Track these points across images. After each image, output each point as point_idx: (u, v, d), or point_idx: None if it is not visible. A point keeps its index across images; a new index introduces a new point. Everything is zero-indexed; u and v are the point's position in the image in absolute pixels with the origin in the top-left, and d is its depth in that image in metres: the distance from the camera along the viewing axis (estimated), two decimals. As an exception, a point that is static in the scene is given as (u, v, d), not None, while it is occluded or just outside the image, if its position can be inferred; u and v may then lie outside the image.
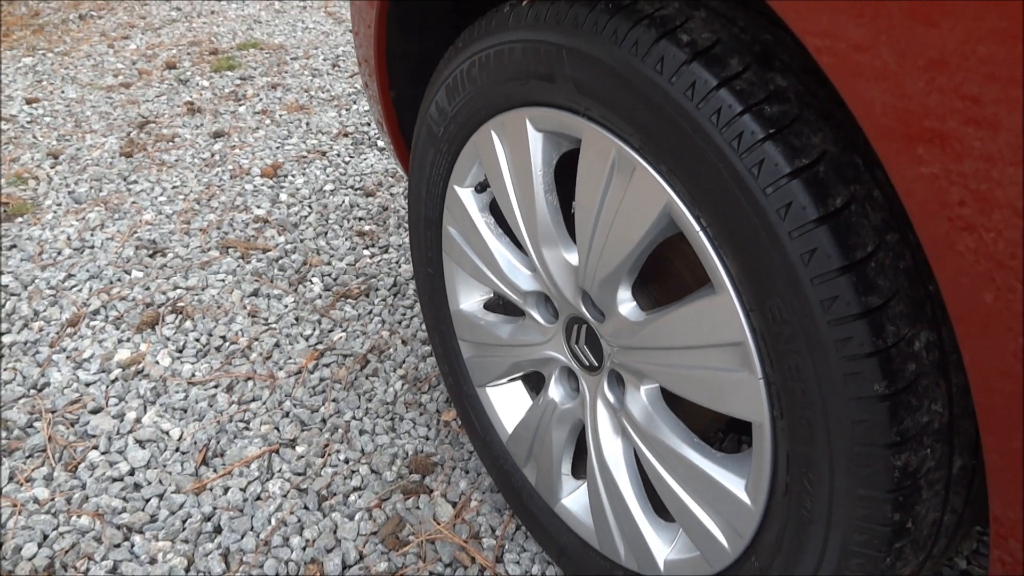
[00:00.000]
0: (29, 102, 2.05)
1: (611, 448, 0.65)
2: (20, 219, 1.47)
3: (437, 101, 0.68)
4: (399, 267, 1.31)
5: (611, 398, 0.64)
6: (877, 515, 0.43)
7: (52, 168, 1.68)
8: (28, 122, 1.93)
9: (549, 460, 0.74)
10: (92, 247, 1.37)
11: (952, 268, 0.35)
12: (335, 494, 0.89)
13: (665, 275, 0.62)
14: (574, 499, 0.74)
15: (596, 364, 0.64)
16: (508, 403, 0.80)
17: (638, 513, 0.64)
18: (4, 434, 0.97)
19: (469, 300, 0.79)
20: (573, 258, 0.61)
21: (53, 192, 1.58)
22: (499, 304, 0.79)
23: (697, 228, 0.47)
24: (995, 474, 0.37)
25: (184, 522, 0.85)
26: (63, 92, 2.12)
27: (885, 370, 0.40)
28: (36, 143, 1.81)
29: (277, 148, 1.76)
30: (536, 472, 0.77)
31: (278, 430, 0.98)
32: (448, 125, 0.68)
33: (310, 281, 1.27)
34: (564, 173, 0.61)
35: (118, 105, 2.02)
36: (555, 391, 0.71)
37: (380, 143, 1.76)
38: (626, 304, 0.58)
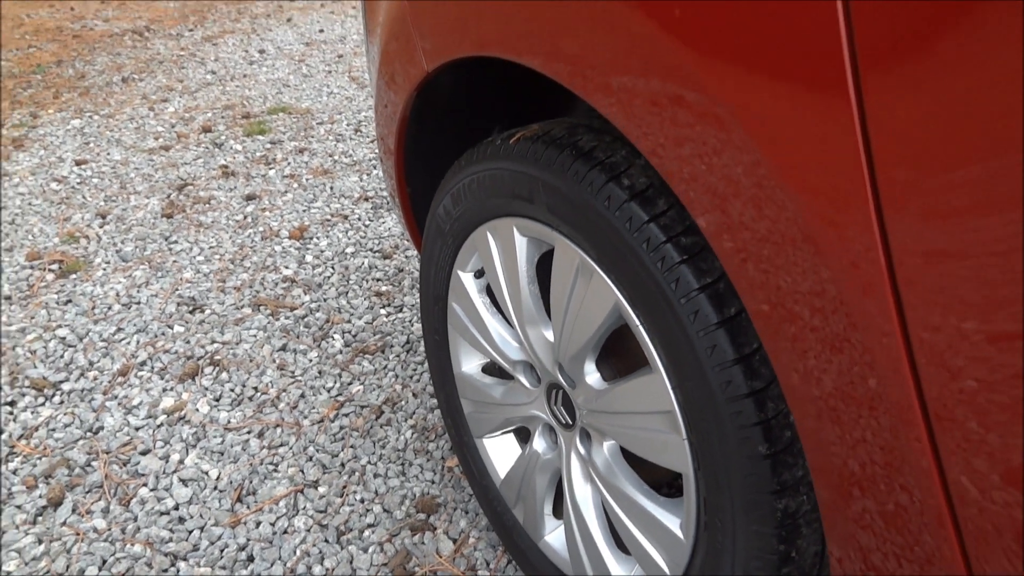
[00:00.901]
0: (78, 163, 2.27)
1: (582, 493, 0.80)
2: (74, 276, 1.65)
3: (444, 205, 0.85)
4: (412, 326, 1.46)
5: (582, 451, 0.78)
6: (767, 547, 0.57)
7: (101, 228, 1.87)
8: (78, 183, 2.13)
9: (534, 502, 0.88)
10: (138, 303, 1.55)
11: (782, 365, 0.50)
12: (351, 529, 1.03)
13: (624, 352, 0.77)
14: (554, 536, 0.88)
15: (570, 422, 0.79)
16: (501, 453, 0.94)
17: (603, 547, 0.78)
18: (67, 472, 1.12)
19: (470, 364, 0.94)
20: (550, 335, 0.76)
21: (102, 251, 1.76)
22: (494, 369, 0.94)
23: (637, 323, 0.62)
24: (827, 517, 0.51)
25: (222, 551, 1.00)
26: (109, 154, 2.33)
27: (767, 436, 0.55)
28: (86, 203, 2.00)
29: (304, 211, 1.94)
30: (523, 512, 0.91)
31: (303, 472, 1.12)
32: (453, 224, 0.85)
33: (332, 337, 1.43)
34: (544, 264, 0.77)
35: (159, 167, 2.23)
36: (538, 443, 0.85)
37: (397, 207, 1.94)
38: (591, 375, 0.73)
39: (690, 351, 0.57)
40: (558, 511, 0.88)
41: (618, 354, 0.77)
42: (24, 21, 4.20)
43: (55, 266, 1.69)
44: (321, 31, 3.99)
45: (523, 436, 0.93)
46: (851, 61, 0.38)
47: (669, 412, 0.62)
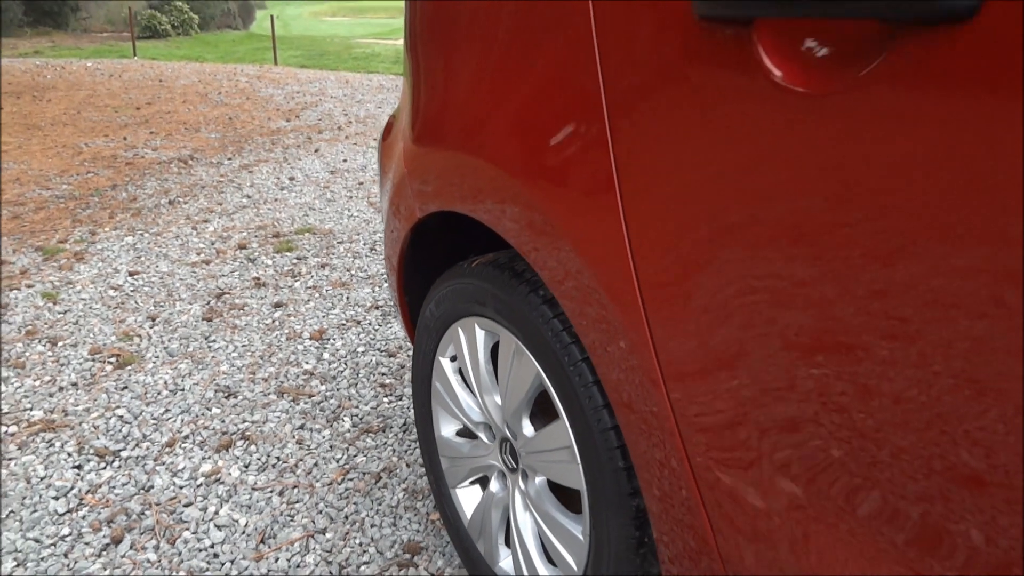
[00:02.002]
0: (131, 274, 2.66)
1: (523, 520, 1.08)
2: (129, 367, 1.99)
3: (430, 308, 1.18)
4: (409, 411, 1.77)
5: (522, 486, 1.07)
6: (629, 535, 0.86)
7: (151, 328, 2.23)
8: (131, 291, 2.51)
9: (491, 534, 1.16)
10: (183, 390, 1.87)
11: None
12: (351, 565, 1.30)
13: (550, 411, 1.08)
14: (506, 562, 1.15)
15: (515, 466, 1.09)
16: (469, 498, 1.23)
17: (537, 561, 1.06)
18: (125, 518, 1.41)
19: (447, 429, 1.25)
20: (499, 400, 1.07)
21: (152, 347, 2.10)
22: (465, 432, 1.25)
23: (549, 385, 0.94)
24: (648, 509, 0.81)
25: (243, 568, 1.27)
26: (157, 267, 2.73)
27: (623, 455, 0.85)
28: (138, 308, 2.37)
29: (323, 317, 2.29)
30: (484, 544, 1.18)
31: (314, 522, 1.40)
32: (435, 322, 1.18)
33: (342, 419, 1.74)
34: (496, 350, 1.09)
35: (200, 278, 2.61)
36: (494, 486, 1.15)
37: (403, 315, 2.29)
38: (527, 427, 1.04)
39: (577, 402, 0.89)
40: (508, 542, 1.16)
41: (547, 413, 1.08)
42: (83, 150, 4.78)
43: (113, 359, 2.03)
44: (344, 161, 4.51)
45: (484, 485, 1.22)
46: (619, 194, 0.72)
47: (569, 447, 0.92)
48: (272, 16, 13.87)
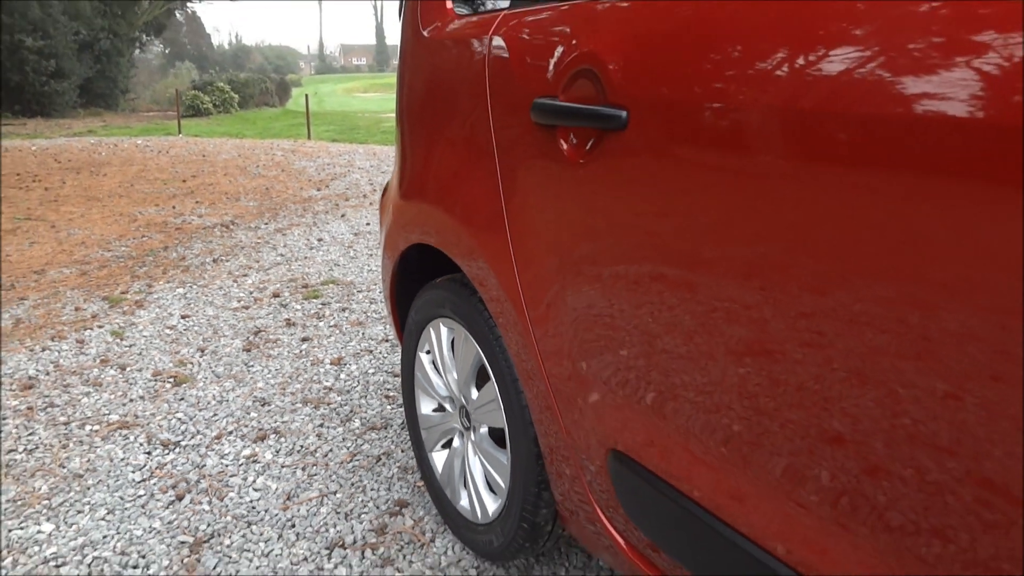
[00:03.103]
0: (183, 317, 3.18)
1: (474, 463, 1.52)
2: (184, 385, 2.48)
3: (412, 316, 1.66)
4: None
5: (473, 439, 1.52)
6: (530, 451, 1.30)
7: (201, 357, 2.73)
8: (184, 330, 3.03)
9: (454, 480, 1.59)
10: (227, 401, 2.35)
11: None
12: (355, 514, 1.74)
13: (485, 379, 1.53)
14: (464, 499, 1.58)
15: (469, 425, 1.53)
16: (440, 458, 1.67)
17: (485, 492, 1.49)
18: (185, 484, 1.87)
19: (426, 407, 1.70)
20: (456, 376, 1.53)
21: (202, 371, 2.60)
22: (438, 409, 1.70)
23: (484, 360, 1.40)
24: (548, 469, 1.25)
25: (276, 520, 1.71)
26: (205, 311, 3.26)
27: (527, 411, 1.30)
28: (190, 342, 2.88)
29: (342, 348, 2.78)
30: (450, 490, 1.62)
31: (327, 487, 1.85)
32: (415, 326, 1.65)
33: (353, 420, 2.20)
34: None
35: (240, 320, 3.13)
36: (456, 443, 1.59)
37: (408, 346, 2.76)
38: (474, 393, 1.49)
39: (498, 367, 1.34)
40: (466, 485, 1.59)
41: (480, 383, 1.54)
42: (138, 217, 5.44)
43: (171, 380, 2.53)
44: (367, 224, 5.09)
45: (449, 447, 1.67)
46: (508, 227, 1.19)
47: (495, 398, 1.38)
48: (307, 95, 14.92)
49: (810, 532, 0.74)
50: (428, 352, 1.66)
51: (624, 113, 0.89)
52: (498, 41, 1.18)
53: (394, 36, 1.63)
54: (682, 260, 0.83)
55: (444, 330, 1.56)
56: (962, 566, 0.59)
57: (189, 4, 28.19)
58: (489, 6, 1.37)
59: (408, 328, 1.70)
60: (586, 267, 1.01)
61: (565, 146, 1.01)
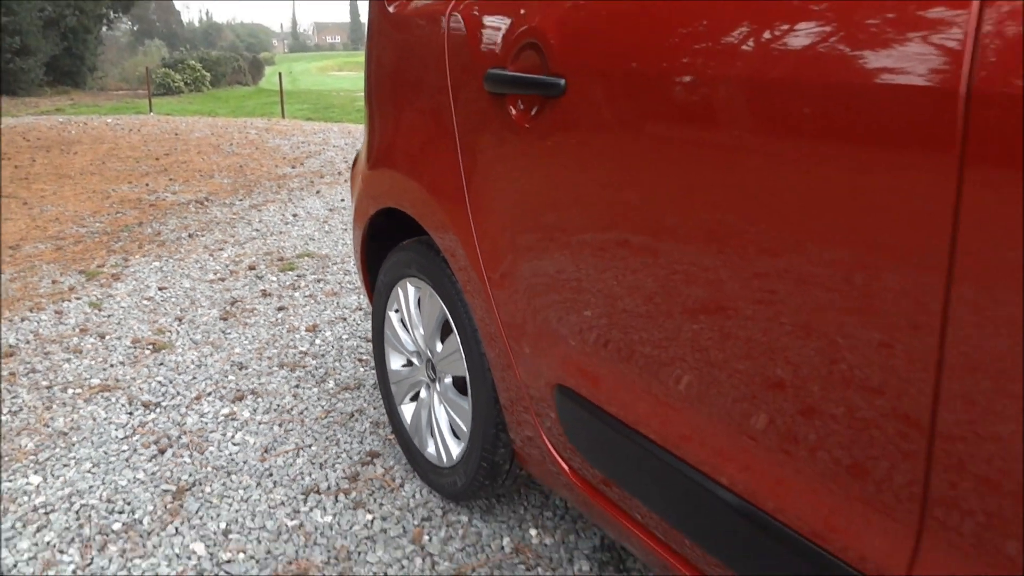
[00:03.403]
0: (160, 289, 3.26)
1: (439, 411, 1.65)
2: (163, 351, 2.57)
3: (381, 277, 1.77)
4: (379, 376, 2.34)
5: (438, 388, 1.64)
6: (489, 397, 1.42)
7: (179, 326, 2.82)
8: (161, 300, 3.11)
9: (421, 429, 1.72)
10: (206, 365, 2.45)
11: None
12: (328, 464, 1.86)
13: (449, 334, 1.65)
14: (431, 446, 1.71)
15: (435, 376, 1.66)
16: (409, 410, 1.79)
17: (449, 437, 1.62)
18: (167, 440, 1.97)
19: (396, 363, 1.82)
20: (423, 332, 1.65)
21: (180, 338, 2.69)
22: (406, 364, 1.82)
23: (448, 315, 1.52)
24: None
25: (254, 469, 1.83)
26: (181, 284, 3.33)
27: (485, 360, 1.42)
28: (167, 312, 2.97)
29: (317, 316, 2.88)
30: (418, 439, 1.74)
31: (303, 440, 1.97)
32: (385, 286, 1.76)
33: (327, 381, 2.31)
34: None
35: (217, 291, 3.21)
36: (423, 394, 1.71)
37: (381, 314, 2.87)
38: (438, 346, 1.61)
39: (459, 320, 1.46)
40: (432, 433, 1.72)
41: (443, 337, 1.66)
42: (111, 195, 5.45)
43: (150, 347, 2.62)
44: (342, 200, 5.16)
45: (416, 399, 1.79)
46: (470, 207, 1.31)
47: (458, 349, 1.50)
48: (280, 73, 14.81)
49: (722, 445, 0.87)
50: (397, 311, 1.78)
51: (562, 81, 1.00)
52: (456, 17, 1.29)
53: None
54: (613, 217, 0.95)
55: (411, 289, 1.67)
56: (875, 486, 0.71)
57: (158, -21, 27.62)
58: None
59: (378, 289, 1.81)
60: (533, 224, 1.13)
61: (514, 112, 1.13)
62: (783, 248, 0.73)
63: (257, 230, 4.33)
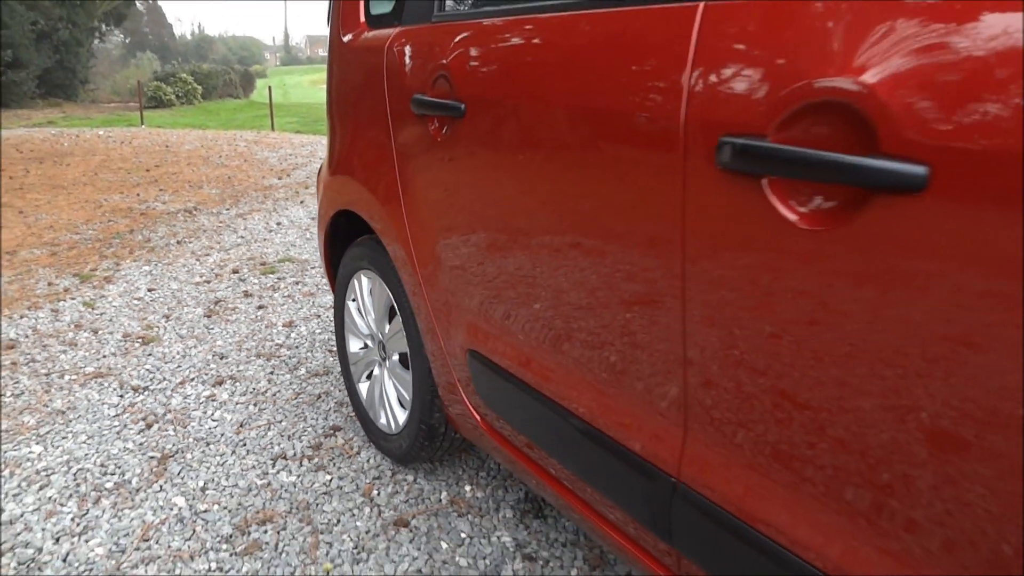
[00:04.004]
0: (150, 290, 3.53)
1: (388, 386, 1.92)
2: (152, 343, 2.84)
3: (340, 271, 2.05)
4: (346, 364, 2.61)
5: (388, 365, 1.92)
6: (428, 400, 1.70)
7: (166, 322, 3.09)
8: (150, 300, 3.38)
9: (375, 402, 1.99)
10: (190, 356, 2.72)
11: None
12: (296, 435, 2.13)
13: (395, 317, 1.93)
14: (383, 417, 1.98)
15: (385, 356, 1.93)
16: (365, 387, 2.07)
17: (396, 407, 1.89)
18: (154, 417, 2.24)
19: (354, 346, 2.09)
20: (374, 317, 1.93)
21: (168, 333, 2.96)
22: (364, 346, 2.09)
23: (393, 301, 1.79)
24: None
25: (232, 441, 2.10)
26: (169, 286, 3.61)
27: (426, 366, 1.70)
28: (156, 311, 3.24)
29: (293, 314, 3.16)
30: (372, 411, 2.01)
31: (274, 417, 2.24)
32: (343, 279, 2.04)
33: (299, 369, 2.58)
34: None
35: (202, 292, 3.49)
36: (376, 372, 1.99)
37: (352, 312, 3.14)
38: (386, 328, 1.89)
39: (401, 304, 1.74)
40: (383, 406, 1.99)
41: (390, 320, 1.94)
42: (103, 204, 5.72)
43: (139, 340, 2.89)
44: (324, 210, 5.44)
45: (370, 378, 2.06)
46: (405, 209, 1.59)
47: (401, 329, 1.77)
48: (270, 87, 15.12)
49: (574, 381, 1.15)
50: (354, 300, 2.05)
51: (463, 106, 1.29)
52: (392, 50, 1.58)
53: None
54: (501, 216, 1.24)
55: (364, 280, 1.95)
56: (656, 404, 1.00)
57: (150, -7, 27.98)
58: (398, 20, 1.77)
59: (338, 281, 2.09)
60: (448, 223, 1.41)
61: (431, 129, 1.41)
62: (596, 229, 1.02)
63: (242, 237, 4.61)
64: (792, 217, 0.74)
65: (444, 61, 1.36)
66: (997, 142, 0.58)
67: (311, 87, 36.72)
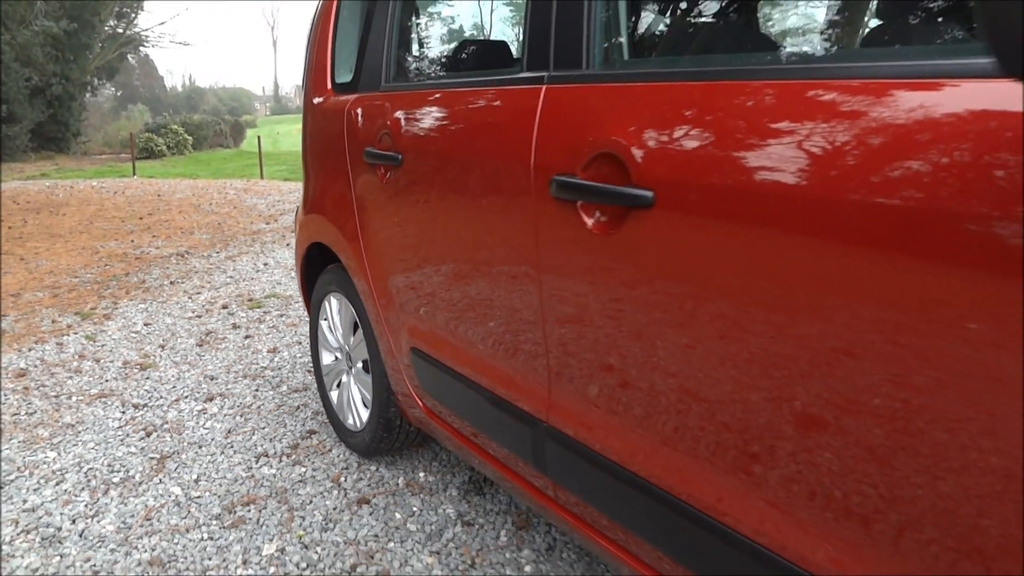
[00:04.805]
0: (146, 324, 3.90)
1: (354, 390, 2.29)
2: (149, 369, 3.20)
3: (314, 294, 2.43)
4: (323, 382, 2.97)
5: (353, 372, 2.29)
6: (385, 388, 2.07)
7: (162, 351, 3.45)
8: (147, 333, 3.75)
9: (343, 406, 2.35)
10: (183, 378, 3.08)
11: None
12: (278, 438, 2.49)
13: (358, 331, 2.31)
14: (350, 418, 2.34)
15: (351, 365, 2.30)
16: (335, 394, 2.43)
17: (360, 407, 2.26)
18: (154, 427, 2.59)
19: (327, 359, 2.46)
20: (342, 332, 2.31)
21: (163, 360, 3.32)
22: (335, 359, 2.46)
23: (356, 317, 2.17)
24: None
25: (222, 442, 2.45)
26: (164, 321, 3.98)
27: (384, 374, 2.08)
28: (152, 342, 3.60)
29: (277, 341, 3.53)
30: (340, 414, 2.38)
31: (258, 425, 2.59)
32: (316, 301, 2.42)
33: (281, 387, 2.94)
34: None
35: (194, 325, 3.86)
36: (343, 379, 2.36)
37: (331, 339, 3.52)
38: (352, 340, 2.26)
39: (365, 319, 2.12)
40: (350, 408, 2.35)
41: (358, 330, 2.31)
42: (99, 250, 6.11)
43: (138, 367, 3.25)
44: (309, 251, 5.84)
45: (339, 385, 2.43)
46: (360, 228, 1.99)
47: (363, 341, 2.15)
48: (259, 136, 15.68)
49: (475, 358, 1.53)
50: (325, 320, 2.43)
51: (400, 156, 1.69)
52: (351, 112, 1.99)
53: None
54: (430, 245, 1.63)
55: (334, 301, 2.34)
56: (526, 365, 1.39)
57: (142, 48, 28.88)
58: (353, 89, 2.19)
59: (313, 303, 2.47)
60: (393, 253, 1.81)
61: (379, 175, 1.82)
62: (486, 247, 1.41)
63: (231, 277, 5.00)
64: (591, 226, 1.14)
65: (387, 121, 1.77)
66: (689, 178, 0.98)
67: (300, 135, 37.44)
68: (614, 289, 1.12)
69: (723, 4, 1.53)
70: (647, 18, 1.51)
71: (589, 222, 1.14)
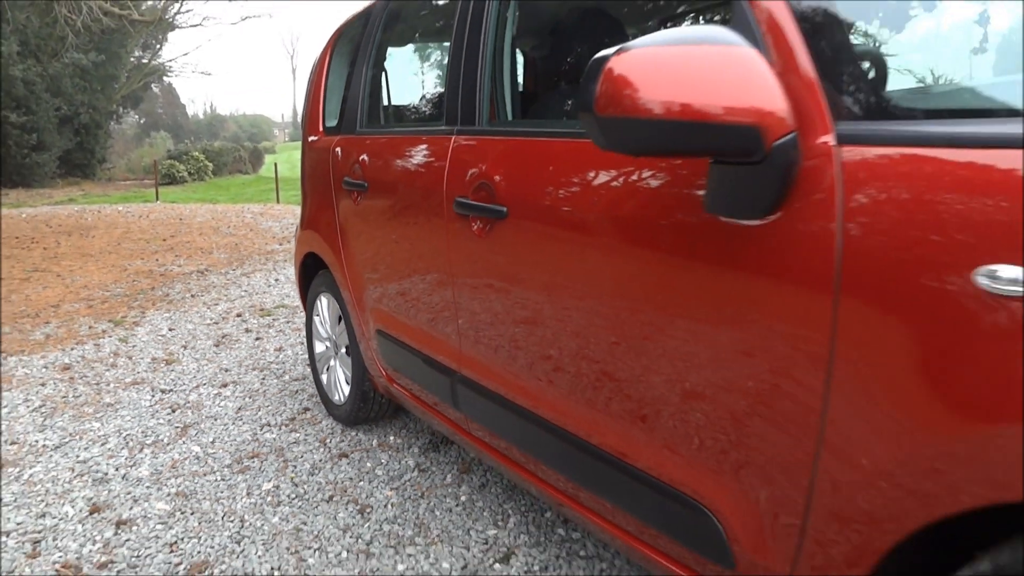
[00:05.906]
0: (170, 330, 4.53)
1: (339, 371, 2.88)
2: (173, 363, 3.82)
3: (309, 294, 3.03)
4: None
5: (339, 356, 2.87)
6: (360, 373, 2.66)
7: (184, 350, 4.07)
8: (171, 337, 4.38)
9: (331, 385, 2.94)
10: (202, 370, 3.69)
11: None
12: (279, 414, 3.08)
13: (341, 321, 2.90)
14: (336, 394, 2.92)
15: (336, 351, 2.89)
16: (325, 376, 3.02)
17: (344, 385, 2.84)
18: (178, 405, 3.20)
19: (319, 348, 3.06)
20: (330, 324, 2.90)
21: (185, 356, 3.94)
22: (325, 348, 3.05)
23: (341, 311, 2.77)
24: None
25: (228, 422, 3.04)
26: (186, 326, 4.61)
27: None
28: (176, 343, 4.22)
29: (284, 341, 4.14)
30: (329, 392, 2.96)
31: (263, 406, 3.19)
32: (313, 299, 3.02)
33: (285, 376, 3.54)
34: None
35: (212, 330, 4.48)
36: (331, 363, 2.94)
37: (329, 340, 4.12)
38: (337, 328, 2.85)
39: (346, 314, 2.71)
40: (336, 387, 2.94)
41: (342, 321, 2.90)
42: (127, 268, 6.80)
43: (164, 362, 3.87)
44: (317, 268, 6.49)
45: (328, 368, 3.01)
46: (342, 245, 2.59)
47: (346, 329, 2.74)
48: (276, 163, 16.50)
49: (416, 329, 2.11)
50: (318, 315, 3.03)
51: (366, 184, 2.30)
52: (335, 149, 2.61)
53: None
54: (387, 253, 2.22)
55: (324, 300, 2.94)
56: (444, 336, 1.98)
57: (165, 77, 30.14)
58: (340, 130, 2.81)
59: (308, 302, 3.08)
60: (364, 260, 2.40)
61: (353, 199, 2.42)
62: (417, 251, 2.00)
63: (246, 291, 5.63)
64: (475, 231, 1.73)
65: (359, 156, 2.38)
66: (528, 200, 1.57)
67: (318, 161, 38.41)
68: (490, 273, 1.71)
69: (563, 81, 2.12)
70: (513, 91, 2.11)
71: (475, 228, 1.73)
